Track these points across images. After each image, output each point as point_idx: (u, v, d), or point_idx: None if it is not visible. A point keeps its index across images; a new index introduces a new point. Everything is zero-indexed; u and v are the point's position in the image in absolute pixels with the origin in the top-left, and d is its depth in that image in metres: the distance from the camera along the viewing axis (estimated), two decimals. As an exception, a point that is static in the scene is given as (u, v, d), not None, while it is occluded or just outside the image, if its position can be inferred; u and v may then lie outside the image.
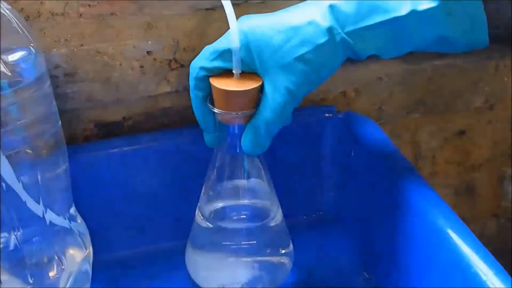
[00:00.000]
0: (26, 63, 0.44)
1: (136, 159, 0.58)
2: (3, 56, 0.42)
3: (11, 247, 0.46)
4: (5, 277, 0.46)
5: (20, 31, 0.44)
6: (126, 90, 0.59)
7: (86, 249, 0.50)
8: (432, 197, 0.49)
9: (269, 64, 0.46)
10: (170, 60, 0.59)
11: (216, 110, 0.48)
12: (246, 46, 0.46)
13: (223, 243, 0.52)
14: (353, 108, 0.66)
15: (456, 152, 0.72)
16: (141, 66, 0.58)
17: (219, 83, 0.47)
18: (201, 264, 0.54)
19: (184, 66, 0.59)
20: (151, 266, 0.58)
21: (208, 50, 0.48)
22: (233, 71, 0.47)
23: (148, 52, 0.58)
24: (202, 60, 0.48)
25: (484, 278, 0.42)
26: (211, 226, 0.52)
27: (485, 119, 0.71)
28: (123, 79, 0.58)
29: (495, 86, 0.70)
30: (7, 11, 0.44)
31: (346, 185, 0.61)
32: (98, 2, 0.55)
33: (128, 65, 0.58)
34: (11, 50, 0.44)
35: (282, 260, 0.54)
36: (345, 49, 0.46)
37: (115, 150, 0.57)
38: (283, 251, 0.54)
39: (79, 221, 0.51)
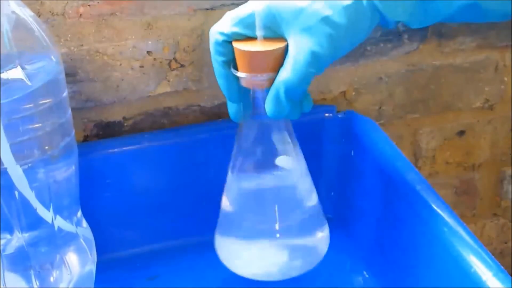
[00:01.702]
0: (46, 72, 0.44)
1: (136, 159, 0.58)
2: (24, 65, 0.42)
3: (18, 249, 0.46)
4: (9, 279, 0.46)
5: (42, 40, 0.44)
6: (126, 90, 0.59)
7: (91, 255, 0.50)
8: (432, 197, 0.49)
9: (294, 27, 0.45)
10: (170, 60, 0.59)
11: (240, 74, 0.46)
12: (269, 9, 0.45)
13: (253, 226, 0.51)
14: (353, 108, 0.66)
15: (456, 152, 0.72)
16: (141, 66, 0.58)
17: (242, 46, 0.46)
18: (232, 250, 0.52)
19: (184, 66, 0.59)
20: (151, 266, 0.58)
21: (228, 16, 0.47)
22: (257, 34, 0.46)
23: (148, 52, 0.58)
24: (222, 26, 0.47)
25: (484, 278, 0.42)
26: (237, 208, 0.51)
27: (485, 119, 0.71)
28: (123, 79, 0.58)
29: (495, 86, 0.70)
30: (30, 18, 0.43)
31: (346, 185, 0.61)
32: (98, 2, 0.55)
33: (128, 65, 0.58)
34: (32, 59, 0.43)
35: (316, 243, 0.52)
36: (373, 14, 0.44)
37: (115, 150, 0.57)
38: (317, 234, 0.52)
39: (84, 226, 0.51)
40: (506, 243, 0.80)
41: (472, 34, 0.66)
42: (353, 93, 0.65)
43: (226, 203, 0.52)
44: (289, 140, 0.50)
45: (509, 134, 0.73)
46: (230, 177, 0.51)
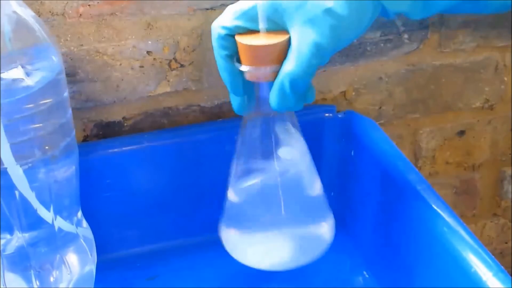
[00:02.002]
0: (47, 72, 0.44)
1: (136, 159, 0.58)
2: (25, 65, 0.42)
3: (18, 249, 0.46)
4: (10, 279, 0.46)
5: (43, 40, 0.44)
6: (126, 90, 0.59)
7: (91, 255, 0.50)
8: (432, 197, 0.49)
9: (296, 19, 0.45)
10: (170, 60, 0.59)
11: (244, 68, 0.46)
12: (271, 2, 0.45)
13: (258, 216, 0.51)
14: (353, 108, 0.66)
15: (456, 152, 0.72)
16: (141, 66, 0.58)
17: (245, 40, 0.46)
18: (239, 240, 0.52)
19: (184, 66, 0.59)
20: (151, 266, 0.58)
21: (230, 9, 0.47)
22: (259, 27, 0.46)
23: (148, 52, 0.58)
24: (224, 20, 0.47)
25: (484, 278, 0.42)
26: (243, 200, 0.51)
27: (485, 119, 0.71)
28: (123, 79, 0.58)
29: (495, 86, 0.70)
30: (31, 18, 0.43)
31: (346, 185, 0.61)
32: (98, 2, 0.55)
33: (128, 65, 0.58)
34: (33, 59, 0.43)
35: (321, 233, 0.52)
36: (376, 5, 0.44)
37: (115, 150, 0.57)
38: (322, 223, 0.52)
39: (85, 226, 0.51)
40: (506, 243, 0.80)
41: (472, 34, 0.66)
42: (353, 93, 0.65)
43: (231, 195, 0.52)
44: (293, 131, 0.50)
45: (509, 134, 0.73)
46: (235, 169, 0.52)
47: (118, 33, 0.56)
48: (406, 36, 0.64)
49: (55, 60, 0.45)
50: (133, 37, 0.57)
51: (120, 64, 0.58)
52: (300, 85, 0.46)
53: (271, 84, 0.47)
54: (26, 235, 0.45)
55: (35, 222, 0.45)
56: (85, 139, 0.60)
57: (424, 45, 0.65)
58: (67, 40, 0.55)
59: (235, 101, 0.50)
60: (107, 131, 0.60)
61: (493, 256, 0.43)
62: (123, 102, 0.59)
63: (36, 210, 0.44)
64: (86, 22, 0.55)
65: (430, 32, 0.65)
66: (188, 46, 0.58)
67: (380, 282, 0.55)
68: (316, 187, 0.52)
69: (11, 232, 0.45)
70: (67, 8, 0.54)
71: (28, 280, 0.46)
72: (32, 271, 0.46)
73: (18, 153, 0.42)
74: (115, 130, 0.61)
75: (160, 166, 0.58)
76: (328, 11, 0.44)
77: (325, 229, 0.53)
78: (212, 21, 0.55)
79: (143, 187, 0.59)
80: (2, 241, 0.45)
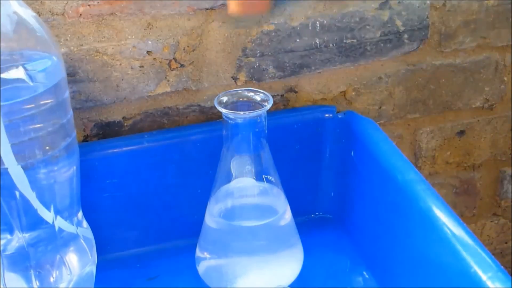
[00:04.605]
0: (47, 73, 0.44)
1: (136, 159, 0.58)
2: (26, 65, 0.42)
3: (18, 250, 0.46)
4: (10, 279, 0.46)
5: (44, 40, 0.44)
6: (126, 90, 0.59)
7: (91, 255, 0.50)
8: (432, 197, 0.49)
9: None
10: (170, 60, 0.59)
11: None
12: None
13: (232, 243, 0.52)
14: (353, 108, 0.66)
15: (456, 152, 0.72)
16: (141, 66, 0.58)
17: None
18: (210, 265, 0.54)
19: (184, 66, 0.59)
20: (151, 266, 0.58)
21: None
22: None
23: (148, 52, 0.58)
24: None
25: (484, 278, 0.42)
26: (219, 226, 0.53)
27: (485, 119, 0.71)
28: (123, 79, 0.58)
29: (495, 86, 0.70)
30: (32, 19, 0.43)
31: (346, 185, 0.61)
32: (98, 2, 0.55)
33: (128, 65, 0.58)
34: (33, 59, 0.43)
35: (292, 259, 0.54)
36: None
37: (115, 150, 0.57)
38: (292, 250, 0.54)
39: (85, 226, 0.51)
40: (506, 243, 0.80)
41: (472, 34, 0.66)
42: (353, 93, 0.65)
43: (207, 218, 0.54)
44: (267, 164, 0.52)
45: (509, 134, 0.73)
46: (211, 198, 0.53)
47: (118, 33, 0.56)
48: (406, 36, 0.64)
49: (56, 60, 0.45)
50: (133, 37, 0.57)
51: (120, 64, 0.58)
52: None
53: (243, 125, 0.49)
54: (26, 235, 0.45)
55: (36, 222, 0.45)
56: (85, 139, 0.60)
57: (424, 45, 0.65)
58: (67, 40, 0.55)
59: None
60: (107, 131, 0.60)
61: (493, 256, 0.43)
62: (123, 102, 0.59)
63: (36, 210, 0.44)
64: (86, 22, 0.55)
65: (430, 32, 0.65)
66: (188, 46, 0.58)
67: (380, 282, 0.55)
68: (286, 217, 0.54)
69: (11, 232, 0.45)
70: (67, 8, 0.54)
71: (28, 280, 0.46)
72: (32, 271, 0.46)
73: (19, 153, 0.42)
74: (115, 130, 0.61)
75: (160, 166, 0.58)
76: None
77: (294, 259, 0.54)
78: (212, 21, 0.55)
79: (143, 187, 0.59)
80: (2, 241, 0.45)
